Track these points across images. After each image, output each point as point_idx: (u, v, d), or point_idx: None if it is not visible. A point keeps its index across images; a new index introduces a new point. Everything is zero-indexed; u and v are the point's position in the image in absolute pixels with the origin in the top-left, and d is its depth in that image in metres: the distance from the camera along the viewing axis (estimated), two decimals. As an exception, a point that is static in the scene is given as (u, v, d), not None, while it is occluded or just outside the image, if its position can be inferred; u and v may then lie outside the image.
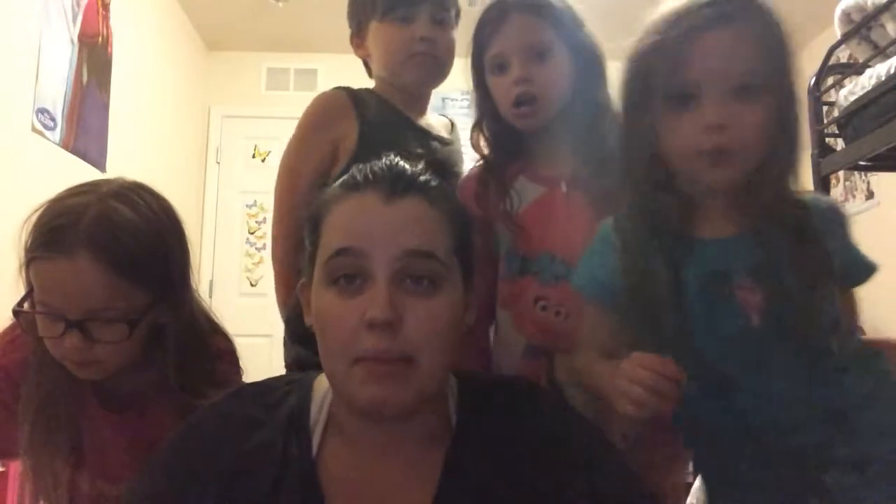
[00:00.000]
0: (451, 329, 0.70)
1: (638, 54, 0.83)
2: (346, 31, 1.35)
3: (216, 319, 1.02)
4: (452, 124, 1.41)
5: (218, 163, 4.07)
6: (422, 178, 0.73)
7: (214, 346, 0.99)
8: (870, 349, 0.85)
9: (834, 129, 1.88)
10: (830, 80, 1.95)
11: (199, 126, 4.00)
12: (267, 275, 3.96)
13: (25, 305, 0.88)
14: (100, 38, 2.71)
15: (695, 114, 0.79)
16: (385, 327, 0.65)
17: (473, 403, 0.75)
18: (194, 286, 0.97)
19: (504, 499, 0.69)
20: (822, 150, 1.86)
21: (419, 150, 1.21)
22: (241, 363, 1.03)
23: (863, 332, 0.87)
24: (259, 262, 3.98)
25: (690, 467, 2.18)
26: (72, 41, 2.49)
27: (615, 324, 0.86)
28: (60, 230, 0.82)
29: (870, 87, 1.64)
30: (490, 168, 1.14)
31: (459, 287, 0.72)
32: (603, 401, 0.84)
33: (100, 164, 2.71)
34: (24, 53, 2.19)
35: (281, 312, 1.28)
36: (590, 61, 1.10)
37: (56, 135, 2.38)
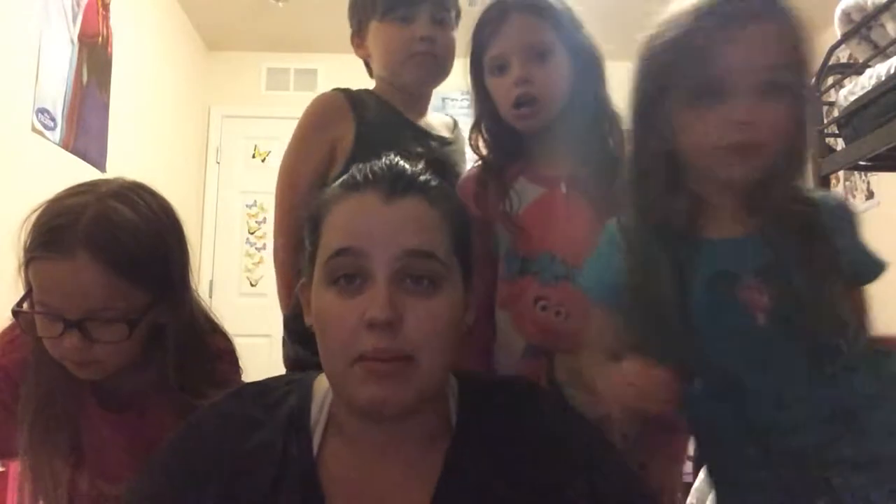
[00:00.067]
0: (451, 329, 0.70)
1: (656, 49, 0.83)
2: (346, 31, 1.35)
3: (215, 319, 1.02)
4: (455, 123, 1.40)
5: (218, 163, 4.08)
6: (422, 177, 0.73)
7: (214, 346, 0.99)
8: (880, 348, 0.85)
9: (834, 129, 1.88)
10: (830, 80, 1.95)
11: (199, 126, 4.00)
12: (267, 275, 3.99)
13: (24, 305, 0.87)
14: (100, 38, 2.71)
15: (722, 108, 0.78)
16: (385, 327, 0.65)
17: (473, 403, 0.75)
18: (193, 286, 0.97)
19: (504, 499, 0.69)
20: (822, 150, 1.86)
21: (419, 150, 1.21)
22: (241, 363, 1.03)
23: (872, 332, 0.87)
24: (259, 262, 3.99)
25: (690, 468, 2.18)
26: (72, 41, 2.49)
27: (622, 325, 0.86)
28: (59, 230, 0.82)
29: (870, 87, 1.65)
30: (490, 169, 1.14)
31: (459, 287, 0.72)
32: (601, 401, 0.84)
33: (100, 164, 2.71)
34: (24, 53, 2.19)
35: (283, 312, 1.28)
36: (589, 62, 1.10)
37: (56, 135, 2.38)
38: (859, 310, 0.86)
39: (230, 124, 4.10)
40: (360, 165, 0.74)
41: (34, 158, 2.24)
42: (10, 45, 2.12)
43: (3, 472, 1.58)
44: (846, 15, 1.78)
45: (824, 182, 1.84)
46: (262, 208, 4.00)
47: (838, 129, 1.86)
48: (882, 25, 1.69)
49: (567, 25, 1.09)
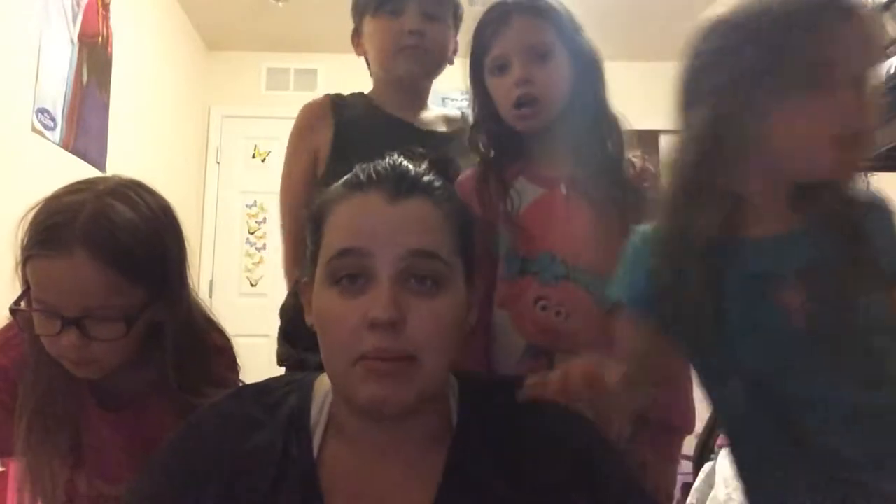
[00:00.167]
0: (453, 329, 0.70)
1: (745, 40, 0.80)
2: (346, 31, 1.36)
3: (213, 318, 1.02)
4: (462, 116, 1.39)
5: (218, 163, 4.08)
6: (425, 178, 0.73)
7: (212, 345, 0.99)
8: None
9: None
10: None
11: (199, 126, 4.00)
12: (267, 275, 4.00)
13: (22, 304, 0.87)
14: (100, 38, 2.72)
15: (830, 98, 0.77)
16: (388, 327, 0.65)
17: (474, 403, 0.75)
18: (192, 285, 0.97)
19: (504, 499, 0.69)
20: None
21: (419, 149, 1.22)
22: (241, 363, 1.03)
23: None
24: (259, 262, 3.99)
25: (690, 468, 2.18)
26: (72, 41, 2.49)
27: (653, 332, 0.85)
28: (56, 228, 0.82)
29: (870, 87, 1.64)
30: (489, 169, 1.14)
31: (462, 287, 0.72)
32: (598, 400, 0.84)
33: (100, 164, 2.71)
34: (24, 53, 2.19)
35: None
36: (589, 64, 1.11)
37: (56, 135, 2.38)
38: None
39: (230, 124, 4.10)
40: (364, 165, 0.74)
41: (34, 158, 2.24)
42: (10, 45, 2.12)
43: (3, 472, 1.58)
44: (847, 15, 1.78)
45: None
46: (262, 208, 4.00)
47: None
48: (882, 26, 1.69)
49: (567, 27, 1.10)
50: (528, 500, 0.69)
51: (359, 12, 1.31)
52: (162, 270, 0.89)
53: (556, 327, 1.05)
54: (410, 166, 0.73)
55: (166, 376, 0.90)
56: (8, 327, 0.95)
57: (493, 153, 1.16)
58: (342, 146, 1.24)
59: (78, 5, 2.52)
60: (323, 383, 0.75)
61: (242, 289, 3.96)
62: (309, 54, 4.03)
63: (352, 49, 1.35)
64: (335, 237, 0.70)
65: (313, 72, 4.06)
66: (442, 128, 1.34)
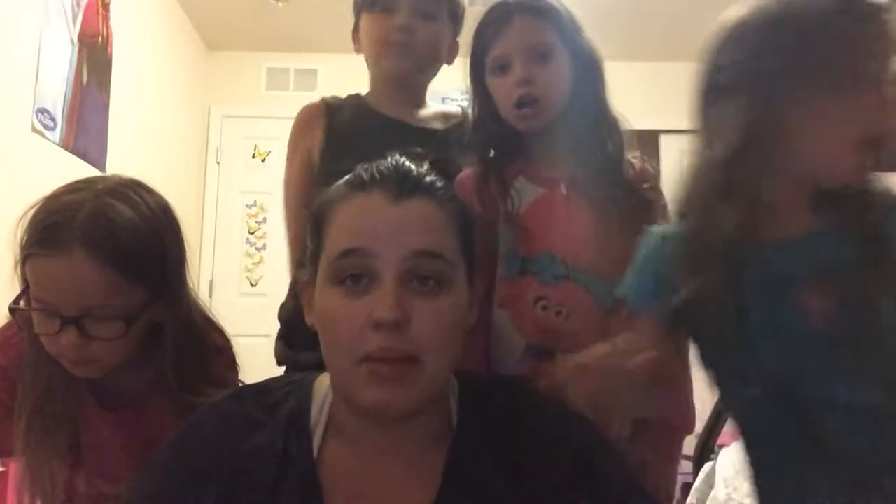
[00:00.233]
0: (455, 329, 0.70)
1: (770, 42, 0.79)
2: (346, 31, 1.36)
3: (213, 318, 1.02)
4: (463, 113, 1.39)
5: (218, 163, 4.08)
6: (428, 178, 0.73)
7: (212, 345, 0.99)
8: None
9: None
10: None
11: (199, 126, 4.00)
12: (267, 275, 4.00)
13: (22, 303, 0.87)
14: (100, 38, 2.72)
15: (853, 100, 0.76)
16: (392, 327, 0.65)
17: (474, 404, 0.75)
18: (191, 285, 0.97)
19: (504, 499, 0.69)
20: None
21: (410, 149, 1.22)
22: (241, 363, 1.03)
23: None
24: (259, 262, 3.99)
25: (690, 468, 2.18)
26: (72, 41, 2.49)
27: (668, 333, 0.85)
28: (56, 227, 0.82)
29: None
30: (490, 169, 1.14)
31: (464, 287, 0.72)
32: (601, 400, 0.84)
33: (100, 164, 2.71)
34: (24, 53, 2.19)
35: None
36: (589, 65, 1.11)
37: (56, 135, 2.38)
38: None
39: (230, 124, 4.10)
40: (366, 165, 0.74)
41: (34, 158, 2.24)
42: (10, 45, 2.12)
43: (3, 472, 1.57)
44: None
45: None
46: (262, 208, 4.00)
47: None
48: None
49: (568, 27, 1.10)
50: (528, 500, 0.69)
51: (357, 9, 1.32)
52: (161, 270, 0.89)
53: (556, 327, 1.05)
54: (413, 166, 0.73)
55: (166, 376, 0.90)
56: (7, 326, 0.95)
57: (493, 153, 1.16)
58: (333, 147, 1.25)
59: (78, 5, 2.52)
60: (323, 383, 0.75)
61: (242, 289, 3.96)
62: (309, 54, 4.03)
63: (352, 49, 1.35)
64: (338, 237, 0.70)
65: (313, 72, 4.06)
66: (438, 125, 1.34)
